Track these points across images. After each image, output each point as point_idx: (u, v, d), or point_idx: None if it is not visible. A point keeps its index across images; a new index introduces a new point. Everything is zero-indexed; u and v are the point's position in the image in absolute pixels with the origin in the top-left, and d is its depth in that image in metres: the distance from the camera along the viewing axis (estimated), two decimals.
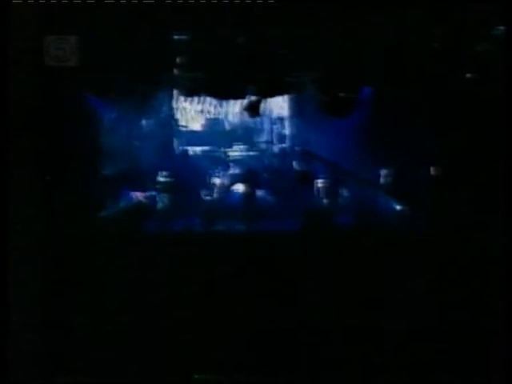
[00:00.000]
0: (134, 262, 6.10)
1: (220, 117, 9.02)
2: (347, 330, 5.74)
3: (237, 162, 8.68)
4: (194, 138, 8.89)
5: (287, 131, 8.94)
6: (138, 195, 7.94)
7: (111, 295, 5.87)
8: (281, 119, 8.92)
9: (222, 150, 8.74)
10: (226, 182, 8.41)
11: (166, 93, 8.27)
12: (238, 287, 5.98)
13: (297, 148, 8.57)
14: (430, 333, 5.66)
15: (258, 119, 8.64)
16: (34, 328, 5.53)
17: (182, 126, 8.87)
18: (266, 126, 8.98)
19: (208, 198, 8.23)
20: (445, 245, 6.17)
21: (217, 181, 8.42)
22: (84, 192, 6.76)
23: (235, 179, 8.41)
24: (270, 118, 8.94)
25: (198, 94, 8.27)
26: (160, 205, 7.87)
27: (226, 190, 8.33)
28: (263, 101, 8.04)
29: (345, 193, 8.22)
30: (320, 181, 8.22)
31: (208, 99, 8.78)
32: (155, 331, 5.74)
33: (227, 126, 9.02)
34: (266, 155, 8.84)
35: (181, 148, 8.76)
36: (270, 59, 6.75)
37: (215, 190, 8.33)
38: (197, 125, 8.99)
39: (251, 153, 8.79)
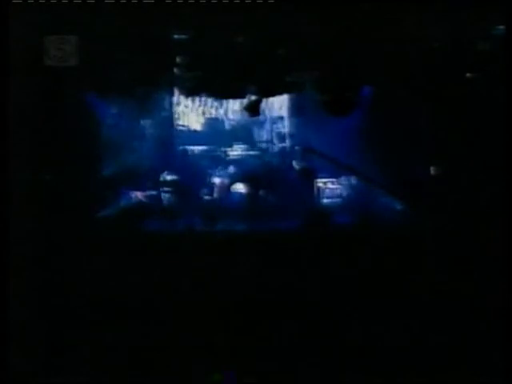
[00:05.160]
0: (134, 262, 6.10)
1: (220, 116, 9.00)
2: (348, 328, 5.75)
3: (237, 161, 8.68)
4: (194, 137, 8.87)
5: (287, 131, 8.93)
6: (138, 195, 7.94)
7: (111, 295, 5.87)
8: (281, 119, 8.91)
9: (222, 149, 8.72)
10: (226, 181, 8.41)
11: (166, 93, 8.26)
12: (238, 286, 5.98)
13: (297, 147, 8.56)
14: (432, 332, 5.66)
15: (258, 119, 8.63)
16: (33, 328, 5.54)
17: (182, 126, 8.86)
18: (266, 125, 8.97)
19: (208, 197, 8.23)
20: (445, 244, 6.17)
21: (217, 180, 8.41)
22: (84, 192, 6.77)
23: (235, 179, 8.41)
24: (270, 118, 8.92)
25: (198, 94, 8.26)
26: (160, 204, 7.87)
27: (226, 189, 8.33)
28: (263, 100, 8.03)
29: (346, 192, 8.23)
30: (320, 180, 8.23)
31: (208, 99, 8.77)
32: (155, 330, 5.74)
33: (227, 126, 8.99)
34: (267, 155, 8.83)
35: (181, 147, 8.74)
36: (269, 59, 6.75)
37: (215, 190, 8.32)
38: (197, 124, 8.97)
39: (251, 152, 8.78)
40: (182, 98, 8.64)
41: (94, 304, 5.80)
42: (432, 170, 7.26)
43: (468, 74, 6.80)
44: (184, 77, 7.36)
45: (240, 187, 8.28)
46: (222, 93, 7.77)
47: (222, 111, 9.00)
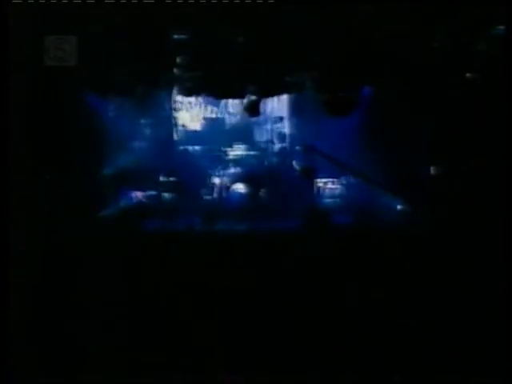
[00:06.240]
0: (134, 262, 6.10)
1: (220, 116, 9.01)
2: (348, 328, 5.75)
3: (237, 161, 8.68)
4: (194, 137, 8.88)
5: (287, 130, 8.94)
6: (138, 195, 7.95)
7: (111, 295, 5.87)
8: (281, 119, 8.92)
9: (222, 149, 8.73)
10: (226, 181, 8.42)
11: (165, 92, 8.27)
12: (237, 286, 5.98)
13: (297, 147, 8.56)
14: (431, 332, 5.67)
15: (257, 119, 8.63)
16: (33, 328, 5.54)
17: (182, 126, 8.86)
18: (266, 125, 8.97)
19: (208, 197, 8.24)
20: (445, 244, 6.17)
21: (217, 180, 8.43)
22: (84, 192, 6.77)
23: (235, 178, 8.42)
24: (270, 118, 8.93)
25: (198, 94, 8.26)
26: (160, 204, 7.88)
27: (226, 189, 8.34)
28: (263, 100, 8.04)
29: (346, 192, 8.24)
30: (321, 180, 8.24)
31: (208, 99, 8.77)
32: (155, 330, 5.74)
33: (227, 126, 9.00)
34: (266, 154, 8.84)
35: (181, 147, 8.75)
36: (270, 59, 6.75)
37: (215, 190, 8.33)
38: (197, 124, 8.97)
39: (251, 152, 8.78)
40: (181, 97, 8.64)
41: (94, 303, 5.80)
42: (432, 170, 7.26)
43: (468, 74, 6.81)
44: (184, 77, 7.36)
45: (240, 187, 8.29)
46: (221, 93, 7.77)
47: (221, 111, 9.01)
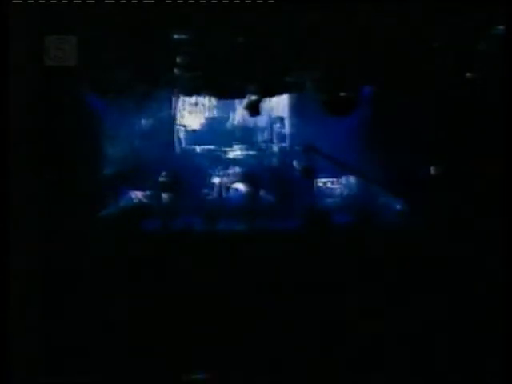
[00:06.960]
0: (133, 261, 6.11)
1: (220, 116, 9.02)
2: (348, 328, 5.75)
3: (237, 161, 8.69)
4: (194, 137, 8.89)
5: (287, 130, 8.95)
6: (138, 194, 7.95)
7: (111, 294, 5.88)
8: (281, 118, 8.92)
9: (223, 149, 8.74)
10: (226, 181, 8.42)
11: (166, 92, 8.26)
12: (237, 286, 5.98)
13: (297, 147, 8.57)
14: (430, 331, 5.67)
15: (258, 118, 8.64)
16: (33, 328, 5.54)
17: (182, 126, 8.87)
18: (266, 125, 8.98)
19: (208, 197, 8.24)
20: (444, 243, 6.18)
21: (217, 180, 8.43)
22: (84, 192, 6.77)
23: (235, 178, 8.42)
24: (270, 118, 8.93)
25: (198, 94, 8.27)
26: (160, 204, 7.88)
27: (226, 189, 8.34)
28: (263, 100, 8.04)
29: (346, 191, 8.24)
30: (321, 179, 8.24)
31: (208, 99, 8.78)
32: (154, 330, 5.74)
33: (227, 126, 9.02)
34: (266, 154, 8.85)
35: (181, 147, 8.77)
36: (269, 59, 6.76)
37: (215, 190, 8.34)
38: (197, 124, 8.99)
39: (251, 152, 8.79)
40: (182, 97, 8.65)
41: (94, 303, 5.81)
42: (432, 170, 7.27)
43: (468, 74, 6.81)
44: (184, 77, 7.36)
45: (240, 187, 8.29)
46: (222, 93, 7.77)
47: (222, 111, 9.02)
